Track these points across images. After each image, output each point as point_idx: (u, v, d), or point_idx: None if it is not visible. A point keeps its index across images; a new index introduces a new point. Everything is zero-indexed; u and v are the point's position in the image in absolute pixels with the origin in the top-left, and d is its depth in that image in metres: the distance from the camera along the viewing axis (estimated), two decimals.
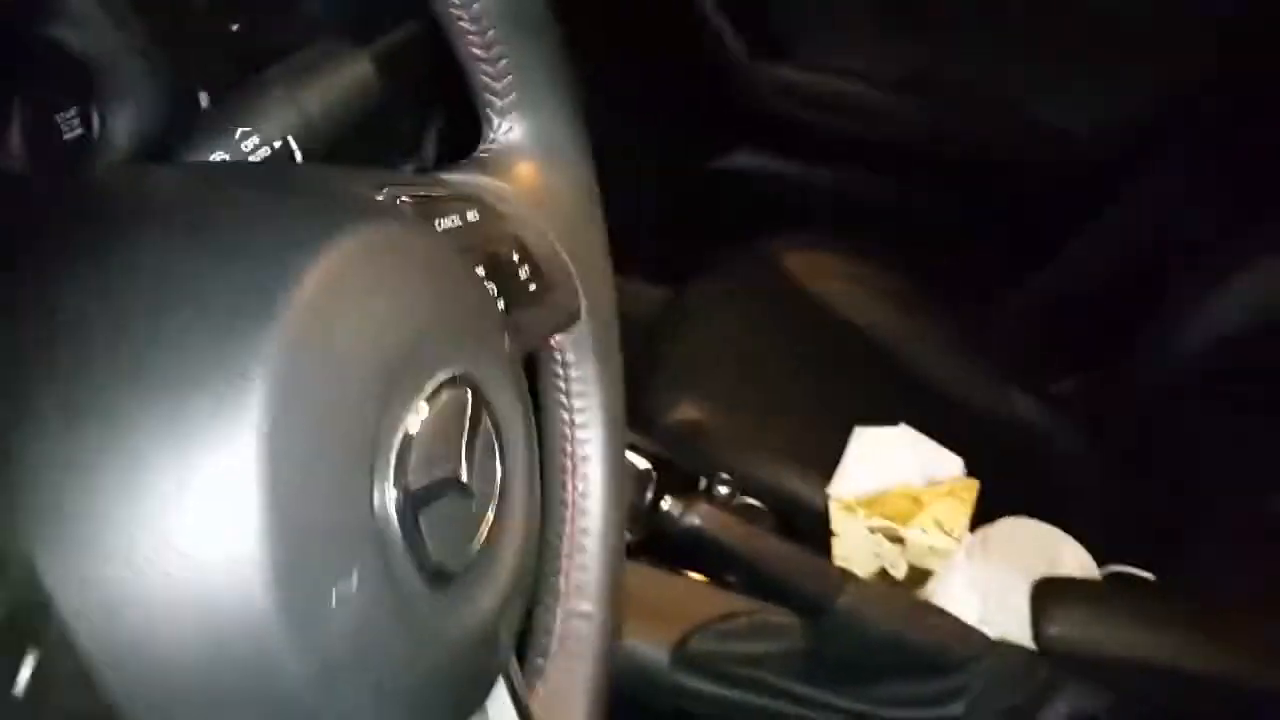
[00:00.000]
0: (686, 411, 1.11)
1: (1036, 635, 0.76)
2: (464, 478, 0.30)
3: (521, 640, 0.45)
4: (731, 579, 0.88)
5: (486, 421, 0.31)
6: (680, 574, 0.88)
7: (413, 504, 0.27)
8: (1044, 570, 0.87)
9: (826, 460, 1.04)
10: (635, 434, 0.76)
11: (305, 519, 0.24)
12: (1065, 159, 1.29)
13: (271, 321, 0.25)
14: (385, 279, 0.29)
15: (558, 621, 0.46)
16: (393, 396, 0.28)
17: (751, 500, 0.92)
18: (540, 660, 0.44)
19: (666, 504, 0.72)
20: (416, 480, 0.28)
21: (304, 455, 0.25)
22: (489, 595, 0.31)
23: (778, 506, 0.97)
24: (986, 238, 1.32)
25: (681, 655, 0.82)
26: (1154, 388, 1.12)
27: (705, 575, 0.89)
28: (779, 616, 0.84)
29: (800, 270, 1.29)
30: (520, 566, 0.33)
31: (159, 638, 0.23)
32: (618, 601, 0.47)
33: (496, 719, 0.38)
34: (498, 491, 0.32)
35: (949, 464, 0.96)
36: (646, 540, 0.83)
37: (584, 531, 0.47)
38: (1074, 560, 0.91)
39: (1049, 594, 0.78)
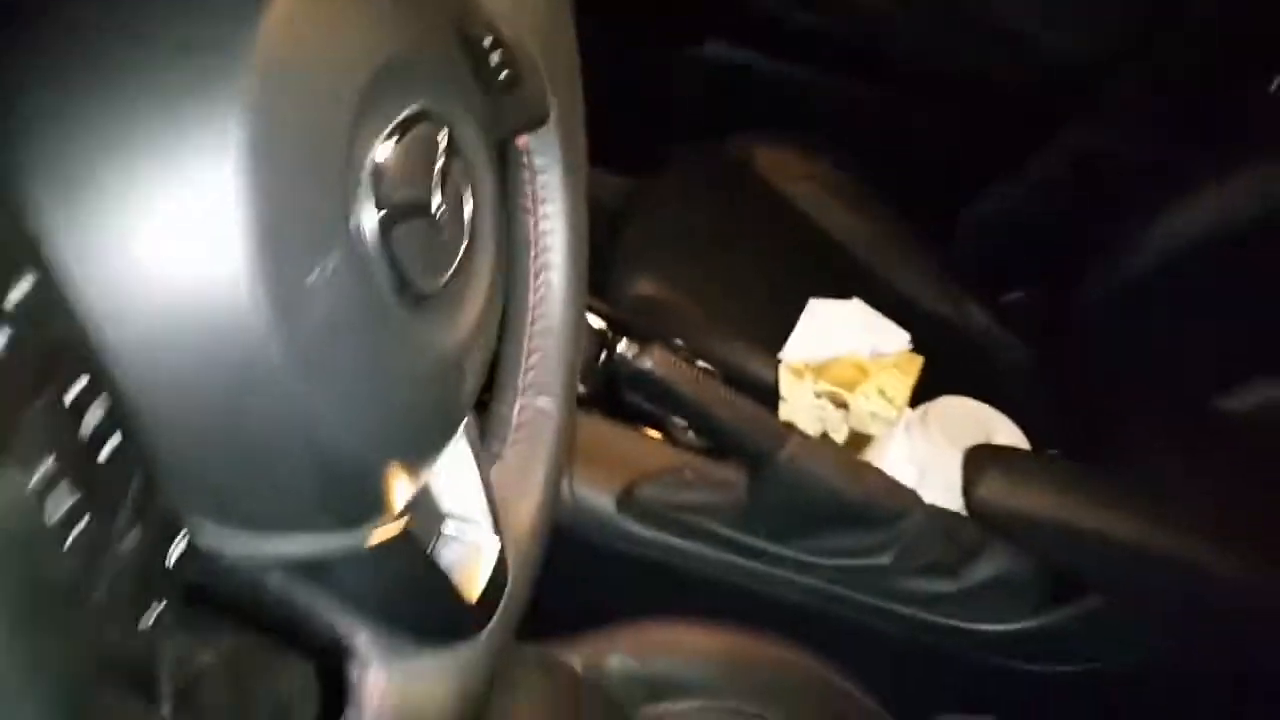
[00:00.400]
0: (644, 288, 1.13)
1: (966, 496, 0.80)
2: (435, 206, 0.31)
3: (482, 428, 0.47)
4: (680, 434, 0.91)
5: (458, 161, 0.33)
6: (632, 428, 0.90)
7: (387, 221, 0.29)
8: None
9: (777, 339, 1.07)
10: (593, 299, 0.78)
11: (283, 211, 0.26)
12: (1033, 74, 1.31)
13: (252, 32, 0.26)
14: (362, 9, 0.30)
15: (515, 413, 0.48)
16: (367, 119, 0.29)
17: (703, 364, 0.94)
18: (498, 445, 0.46)
19: (621, 347, 0.74)
20: (390, 200, 0.29)
21: (282, 156, 0.26)
22: (457, 324, 0.33)
23: (728, 375, 1.00)
24: (951, 152, 1.34)
25: (628, 501, 0.85)
26: (1099, 301, 1.15)
27: (656, 431, 0.91)
28: (724, 472, 0.87)
29: (765, 167, 1.30)
30: (486, 306, 0.35)
31: (147, 303, 0.25)
32: (573, 401, 0.49)
33: (452, 478, 0.40)
34: (468, 227, 0.33)
35: (896, 338, 0.99)
36: (601, 394, 0.85)
37: (544, 333, 0.49)
38: (1008, 439, 0.95)
39: (981, 459, 0.82)
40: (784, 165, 1.30)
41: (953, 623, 0.85)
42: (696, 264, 1.18)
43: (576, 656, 0.76)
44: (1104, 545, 0.81)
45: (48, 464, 0.21)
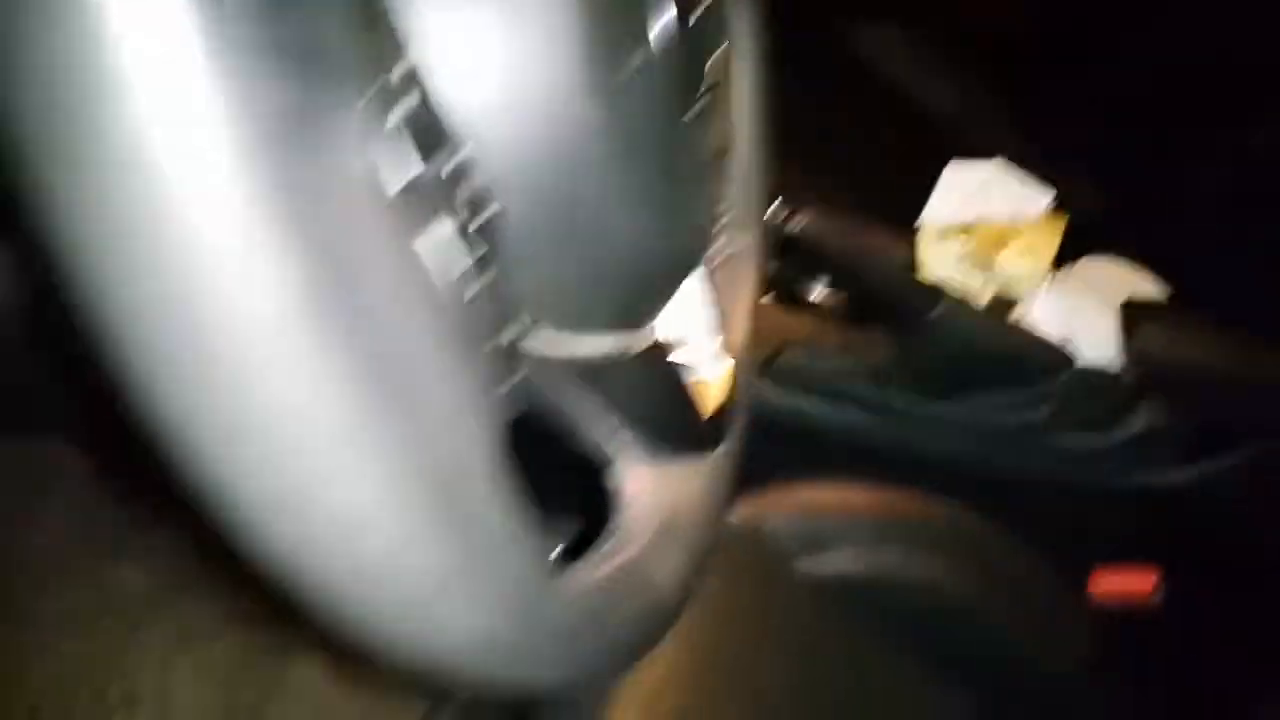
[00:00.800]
0: None
1: (1126, 347, 0.79)
2: (697, 18, 0.32)
3: None
4: (819, 304, 0.91)
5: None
6: (771, 299, 0.91)
7: (676, 27, 0.31)
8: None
9: (898, 214, 1.06)
10: None
11: (605, 11, 0.28)
12: None
13: None
14: None
15: (717, 252, 0.49)
16: None
17: None
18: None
19: (773, 209, 0.75)
20: (678, 10, 0.31)
21: None
22: (715, 132, 0.34)
23: None
24: (1051, 35, 1.30)
25: (771, 368, 0.86)
26: (1213, 185, 1.12)
27: (795, 303, 0.92)
28: (866, 339, 0.88)
29: (865, 51, 1.28)
30: (730, 125, 0.36)
31: (497, 92, 0.27)
32: (765, 239, 0.51)
33: (685, 303, 0.41)
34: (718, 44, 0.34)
35: (1039, 197, 0.97)
36: None
37: (736, 178, 0.50)
38: (1152, 295, 0.94)
39: (1137, 311, 0.81)
40: (884, 48, 1.29)
41: (1103, 478, 0.85)
42: (808, 145, 1.18)
43: (733, 514, 0.79)
44: (1261, 393, 0.80)
45: (459, 217, 0.22)
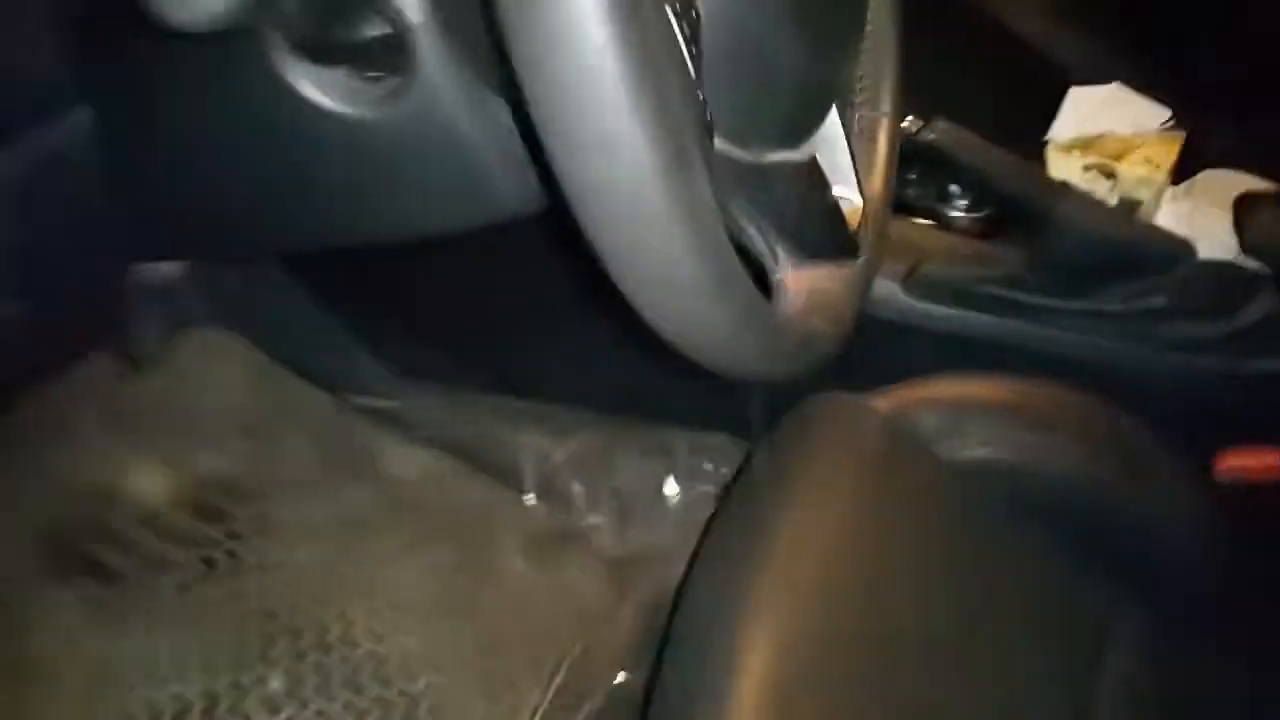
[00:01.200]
0: None
1: (1239, 236, 0.86)
2: None
3: None
4: (951, 220, 1.00)
5: None
6: (906, 218, 1.01)
7: None
8: None
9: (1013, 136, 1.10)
10: None
11: None
12: None
13: None
14: None
15: (855, 120, 0.59)
16: None
17: None
18: None
19: (908, 121, 0.84)
20: None
21: None
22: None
23: None
24: None
25: (912, 280, 0.96)
26: None
27: (930, 220, 1.01)
28: (997, 248, 0.96)
29: None
30: None
31: None
32: (901, 109, 0.61)
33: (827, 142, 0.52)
34: None
35: (1157, 114, 1.04)
36: None
37: (872, 52, 0.60)
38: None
39: (1253, 201, 0.87)
40: None
41: (1223, 364, 0.90)
42: (927, 80, 1.23)
43: (877, 405, 0.87)
44: None
45: (675, 8, 0.35)
